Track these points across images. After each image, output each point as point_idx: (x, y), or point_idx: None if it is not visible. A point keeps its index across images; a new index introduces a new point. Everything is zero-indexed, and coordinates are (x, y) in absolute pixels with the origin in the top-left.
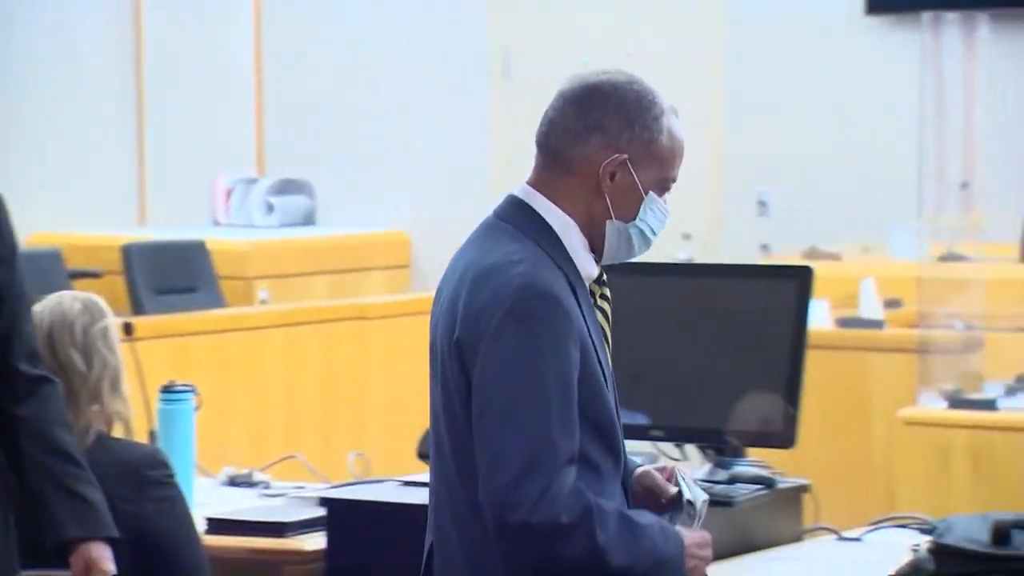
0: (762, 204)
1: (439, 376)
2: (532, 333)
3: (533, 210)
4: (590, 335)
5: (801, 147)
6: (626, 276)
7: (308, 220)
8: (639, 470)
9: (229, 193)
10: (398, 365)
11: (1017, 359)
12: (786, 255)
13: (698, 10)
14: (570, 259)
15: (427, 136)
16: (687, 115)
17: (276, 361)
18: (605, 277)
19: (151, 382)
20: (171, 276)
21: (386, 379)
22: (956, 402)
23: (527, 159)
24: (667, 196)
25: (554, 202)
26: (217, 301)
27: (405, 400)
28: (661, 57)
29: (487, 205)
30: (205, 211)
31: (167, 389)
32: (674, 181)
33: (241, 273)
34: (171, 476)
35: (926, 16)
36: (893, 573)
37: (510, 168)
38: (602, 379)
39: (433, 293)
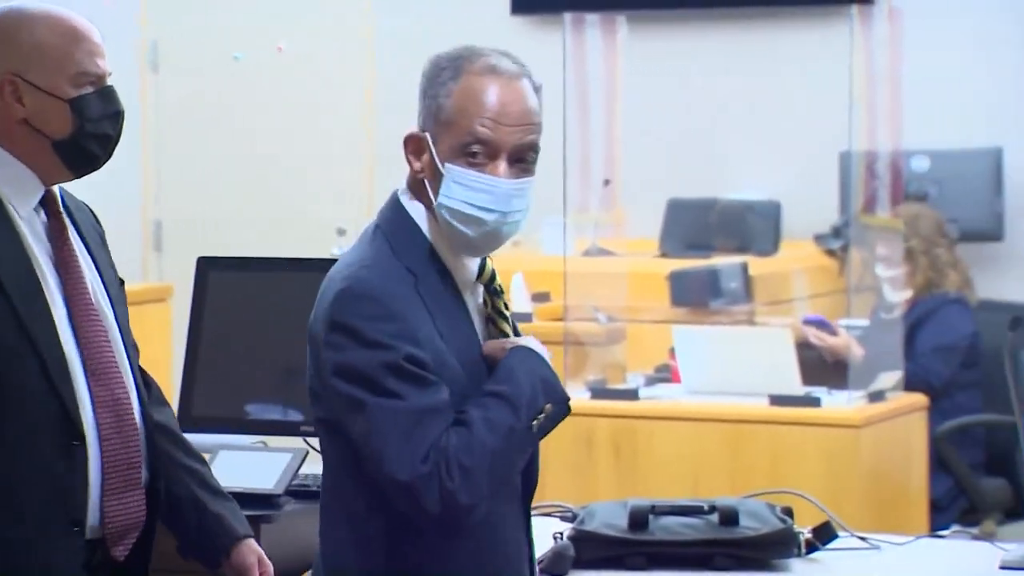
0: None
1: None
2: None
3: (401, 205)
4: (437, 329)
5: None
6: (279, 271)
7: None
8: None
9: None
10: None
11: (657, 350)
12: None
13: (347, 5)
14: (428, 254)
15: None
16: (338, 111)
17: None
18: (491, 275)
19: None
20: None
21: None
22: (599, 392)
23: (177, 151)
24: (506, 165)
25: (414, 195)
26: None
27: None
28: (311, 52)
29: (137, 199)
30: None
31: None
32: (483, 143)
33: None
34: None
35: (568, 17)
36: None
37: (159, 161)
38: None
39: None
